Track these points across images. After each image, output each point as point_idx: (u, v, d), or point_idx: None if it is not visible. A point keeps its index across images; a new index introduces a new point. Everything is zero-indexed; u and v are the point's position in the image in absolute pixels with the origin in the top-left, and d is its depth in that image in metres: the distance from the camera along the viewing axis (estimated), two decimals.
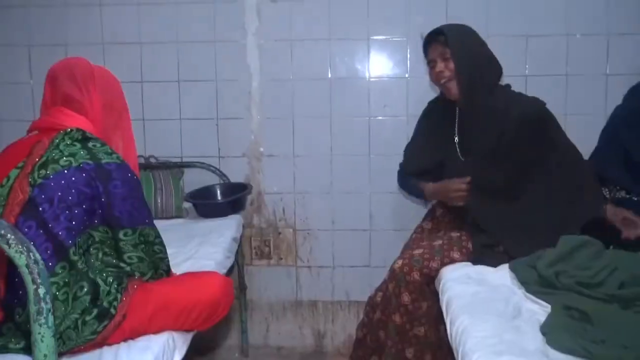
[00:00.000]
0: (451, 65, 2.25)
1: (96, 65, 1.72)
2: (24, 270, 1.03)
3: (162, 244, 1.68)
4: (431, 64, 2.33)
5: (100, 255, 1.55)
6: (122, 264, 1.58)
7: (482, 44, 2.33)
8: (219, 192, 2.98)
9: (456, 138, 2.39)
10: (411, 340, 2.17)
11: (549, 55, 2.86)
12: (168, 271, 1.73)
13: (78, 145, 1.53)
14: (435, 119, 2.49)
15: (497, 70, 2.32)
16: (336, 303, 3.13)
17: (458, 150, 2.38)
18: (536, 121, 2.25)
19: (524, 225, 2.21)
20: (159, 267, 1.68)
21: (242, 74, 3.00)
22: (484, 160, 2.27)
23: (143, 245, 1.62)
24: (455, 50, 2.23)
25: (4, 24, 3.01)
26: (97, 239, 1.54)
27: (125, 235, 1.57)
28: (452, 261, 2.17)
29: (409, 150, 2.61)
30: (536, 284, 1.84)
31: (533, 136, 2.23)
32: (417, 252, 2.22)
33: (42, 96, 1.69)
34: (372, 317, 2.30)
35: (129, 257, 1.59)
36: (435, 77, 2.33)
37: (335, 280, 3.11)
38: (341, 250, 3.08)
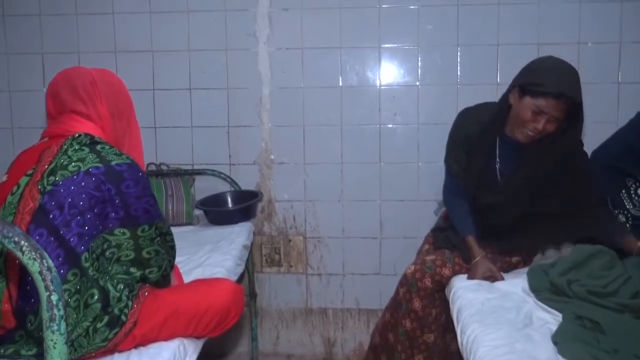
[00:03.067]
0: (552, 127, 2.07)
1: (96, 70, 1.68)
2: (37, 277, 1.03)
3: (172, 233, 1.71)
4: (536, 110, 2.05)
5: (116, 258, 1.56)
6: (132, 269, 1.59)
7: None
8: (229, 199, 2.99)
9: (497, 164, 2.26)
10: (421, 347, 2.19)
11: None
12: (174, 257, 1.75)
13: (86, 149, 1.53)
14: (476, 140, 2.29)
15: None
16: (346, 311, 3.13)
17: (498, 174, 2.26)
18: (571, 161, 2.19)
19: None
20: (169, 253, 1.70)
21: (253, 82, 3.01)
22: (523, 191, 2.20)
23: (158, 238, 1.64)
24: (569, 127, 2.12)
25: (18, 32, 3.04)
26: (113, 243, 1.55)
27: (142, 231, 1.58)
28: (462, 268, 2.18)
29: (452, 159, 2.39)
30: (547, 291, 1.84)
31: (567, 173, 2.19)
32: (429, 257, 2.23)
33: (46, 108, 1.66)
34: None
35: (148, 252, 1.61)
36: (526, 123, 2.08)
37: (346, 288, 3.11)
38: (351, 258, 3.08)
